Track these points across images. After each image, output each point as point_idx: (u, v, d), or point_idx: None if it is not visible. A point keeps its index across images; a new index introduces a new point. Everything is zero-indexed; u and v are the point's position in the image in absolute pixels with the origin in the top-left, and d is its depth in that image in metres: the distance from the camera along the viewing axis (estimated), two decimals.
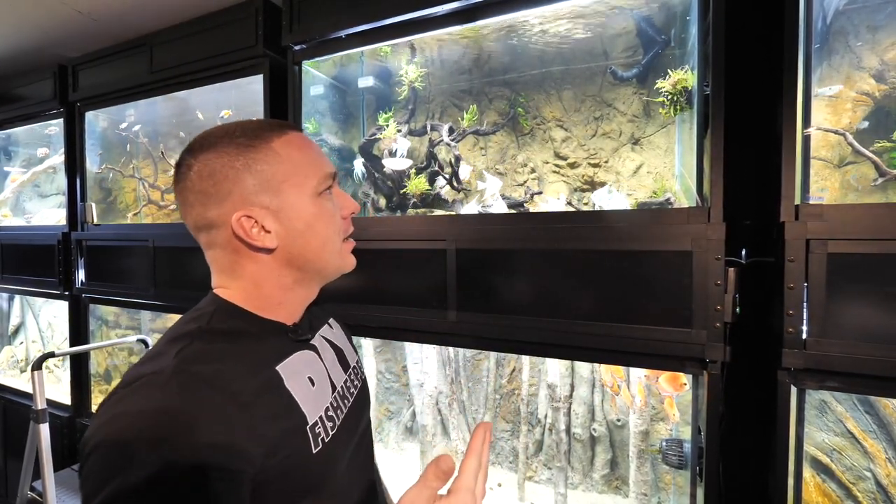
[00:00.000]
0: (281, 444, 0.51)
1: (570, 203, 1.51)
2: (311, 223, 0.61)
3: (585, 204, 1.56)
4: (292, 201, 0.60)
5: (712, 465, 1.01)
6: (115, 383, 2.63)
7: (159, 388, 0.47)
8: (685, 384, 1.30)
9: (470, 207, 1.57)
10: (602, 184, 1.55)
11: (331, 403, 0.63)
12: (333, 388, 0.65)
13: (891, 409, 1.23)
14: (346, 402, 0.67)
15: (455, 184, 1.59)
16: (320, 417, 0.59)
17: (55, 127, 2.57)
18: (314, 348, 0.66)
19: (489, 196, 1.51)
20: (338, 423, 0.62)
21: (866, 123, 1.17)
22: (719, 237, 0.98)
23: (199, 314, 0.59)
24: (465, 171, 1.60)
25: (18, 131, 2.73)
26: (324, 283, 0.67)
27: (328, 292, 0.72)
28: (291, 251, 0.61)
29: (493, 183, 1.53)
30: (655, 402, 1.50)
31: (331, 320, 0.80)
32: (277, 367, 0.57)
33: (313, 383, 0.61)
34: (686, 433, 1.43)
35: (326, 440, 0.58)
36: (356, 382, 0.74)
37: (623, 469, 1.59)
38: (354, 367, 0.76)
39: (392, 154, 1.63)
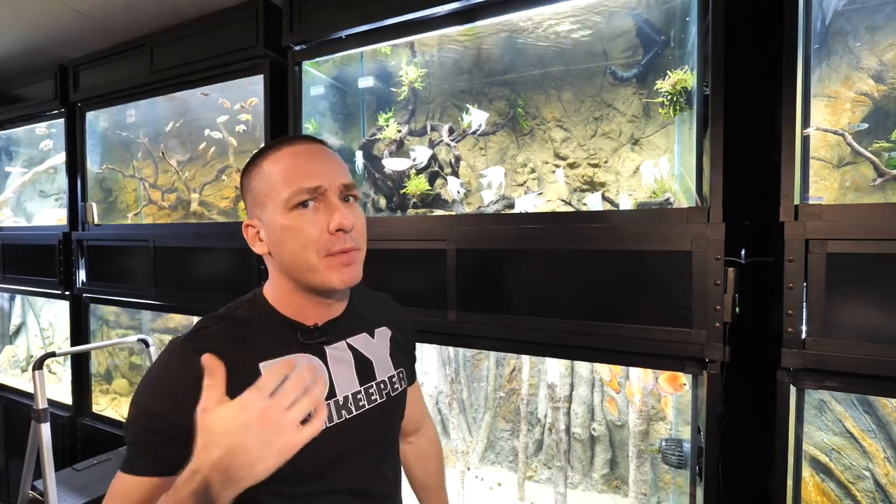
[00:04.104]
0: None
1: (568, 202, 1.51)
2: (281, 236, 0.66)
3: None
4: (269, 215, 0.66)
5: (712, 465, 1.01)
6: (115, 383, 2.64)
7: (167, 353, 0.63)
8: (684, 384, 1.30)
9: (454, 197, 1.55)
10: (602, 184, 1.55)
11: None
12: (332, 395, 0.69)
13: (889, 409, 1.23)
14: (348, 410, 0.70)
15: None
16: None
17: (43, 128, 2.60)
18: (322, 353, 0.70)
19: (495, 187, 1.48)
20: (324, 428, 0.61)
21: (865, 124, 1.17)
22: (719, 237, 0.98)
23: (237, 301, 0.73)
24: (421, 152, 1.56)
25: (19, 131, 2.73)
26: (325, 293, 0.69)
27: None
28: (276, 260, 0.69)
29: (495, 173, 1.48)
30: (654, 401, 1.50)
31: (381, 329, 0.81)
32: (261, 364, 0.63)
33: None
34: (685, 433, 1.43)
35: None
36: (377, 397, 0.75)
37: (623, 469, 1.60)
38: (384, 381, 0.77)
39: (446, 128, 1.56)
